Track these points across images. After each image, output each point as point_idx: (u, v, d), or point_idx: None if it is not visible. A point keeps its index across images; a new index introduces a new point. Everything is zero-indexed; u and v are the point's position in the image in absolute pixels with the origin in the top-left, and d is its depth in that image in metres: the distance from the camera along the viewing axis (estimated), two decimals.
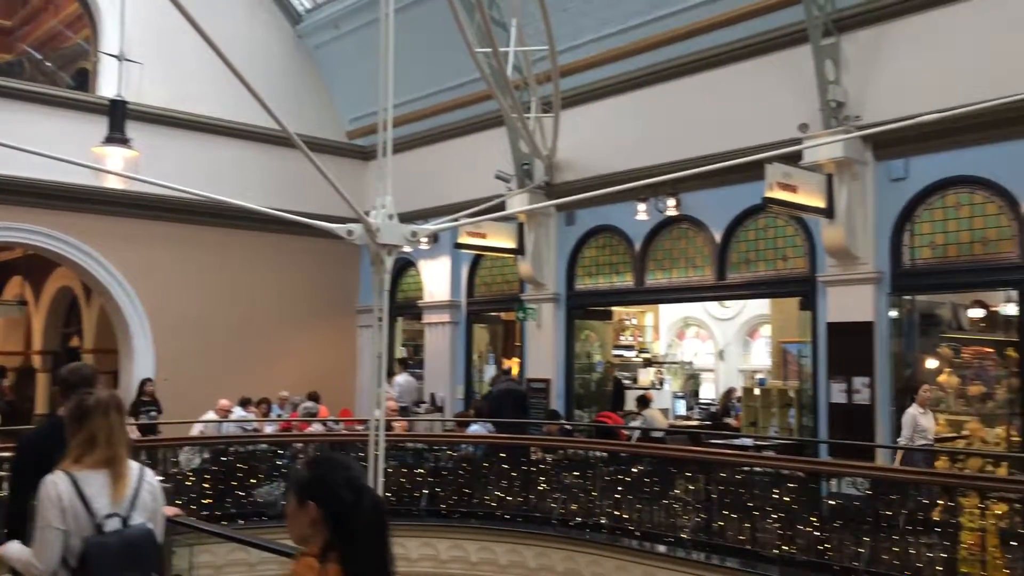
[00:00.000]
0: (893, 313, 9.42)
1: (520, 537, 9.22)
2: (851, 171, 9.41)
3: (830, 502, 7.74)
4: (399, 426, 10.99)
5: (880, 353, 9.37)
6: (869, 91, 9.35)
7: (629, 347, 16.45)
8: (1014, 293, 8.84)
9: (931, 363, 9.70)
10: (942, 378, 9.56)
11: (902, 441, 8.78)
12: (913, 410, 8.78)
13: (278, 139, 12.39)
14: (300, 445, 10.36)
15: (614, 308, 14.43)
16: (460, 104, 14.01)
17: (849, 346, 9.55)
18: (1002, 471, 8.44)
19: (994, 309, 9.69)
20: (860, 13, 9.47)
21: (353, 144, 15.82)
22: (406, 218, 5.28)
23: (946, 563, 6.65)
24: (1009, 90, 7.07)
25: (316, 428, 11.56)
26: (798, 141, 9.31)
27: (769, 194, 8.83)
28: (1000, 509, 6.71)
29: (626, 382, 14.96)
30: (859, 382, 9.45)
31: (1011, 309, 8.96)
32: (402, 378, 14.47)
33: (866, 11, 9.45)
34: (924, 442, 8.68)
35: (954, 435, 9.34)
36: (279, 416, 12.57)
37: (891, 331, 9.42)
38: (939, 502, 6.98)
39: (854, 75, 9.47)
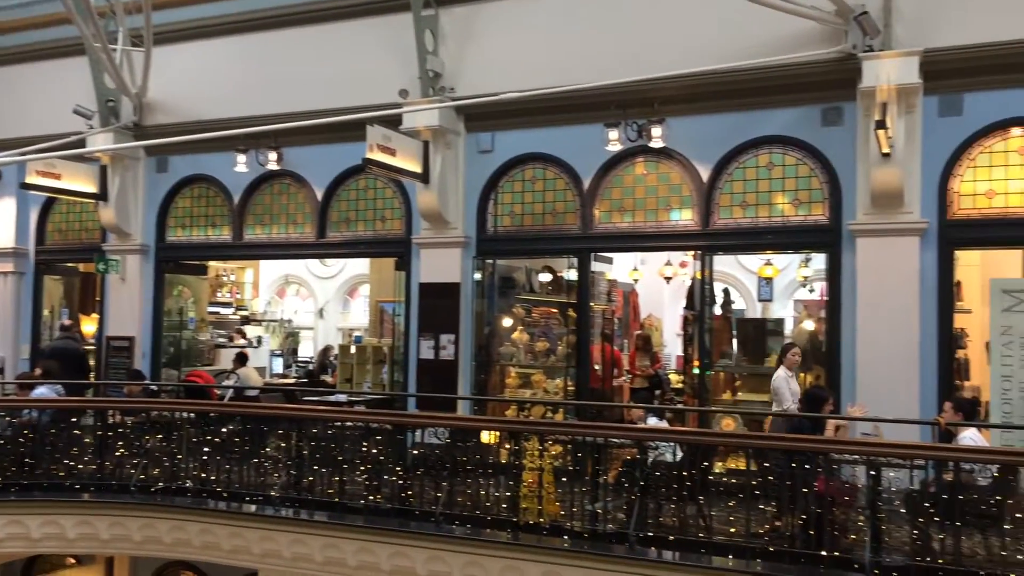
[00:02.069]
0: (477, 275, 10.21)
1: (92, 507, 8.49)
2: (445, 140, 9.95)
3: (414, 452, 8.21)
4: None
5: (465, 312, 10.13)
6: (463, 65, 9.93)
7: (227, 304, 15.92)
8: (575, 260, 10.06)
9: (507, 322, 10.70)
10: (515, 335, 10.59)
11: (781, 408, 8.33)
12: (783, 373, 8.47)
13: None
14: None
15: (210, 263, 13.78)
16: (32, 24, 12.32)
17: (438, 306, 10.18)
18: (559, 417, 9.61)
19: (560, 274, 10.94)
20: None
21: None
22: None
23: (509, 500, 7.42)
24: (576, 79, 8.01)
25: None
26: (399, 106, 9.64)
27: (369, 155, 9.01)
28: (556, 450, 7.66)
29: (220, 340, 14.44)
30: (445, 339, 10.13)
31: (572, 275, 10.18)
32: None
33: None
34: (796, 406, 8.21)
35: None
36: None
37: (475, 292, 10.21)
38: (506, 446, 7.76)
39: (451, 48, 9.98)
